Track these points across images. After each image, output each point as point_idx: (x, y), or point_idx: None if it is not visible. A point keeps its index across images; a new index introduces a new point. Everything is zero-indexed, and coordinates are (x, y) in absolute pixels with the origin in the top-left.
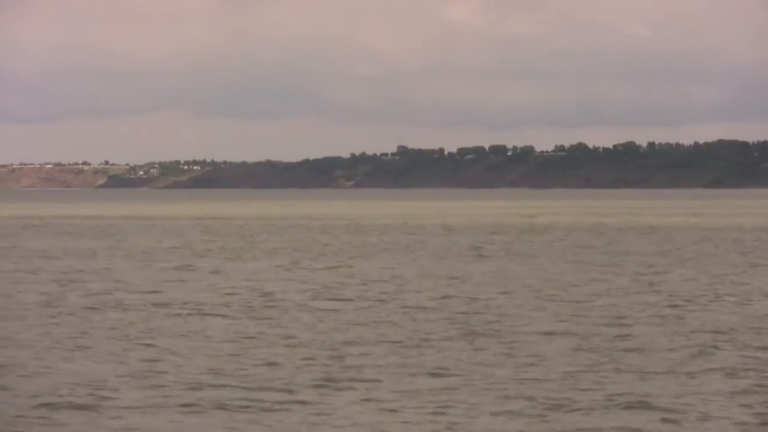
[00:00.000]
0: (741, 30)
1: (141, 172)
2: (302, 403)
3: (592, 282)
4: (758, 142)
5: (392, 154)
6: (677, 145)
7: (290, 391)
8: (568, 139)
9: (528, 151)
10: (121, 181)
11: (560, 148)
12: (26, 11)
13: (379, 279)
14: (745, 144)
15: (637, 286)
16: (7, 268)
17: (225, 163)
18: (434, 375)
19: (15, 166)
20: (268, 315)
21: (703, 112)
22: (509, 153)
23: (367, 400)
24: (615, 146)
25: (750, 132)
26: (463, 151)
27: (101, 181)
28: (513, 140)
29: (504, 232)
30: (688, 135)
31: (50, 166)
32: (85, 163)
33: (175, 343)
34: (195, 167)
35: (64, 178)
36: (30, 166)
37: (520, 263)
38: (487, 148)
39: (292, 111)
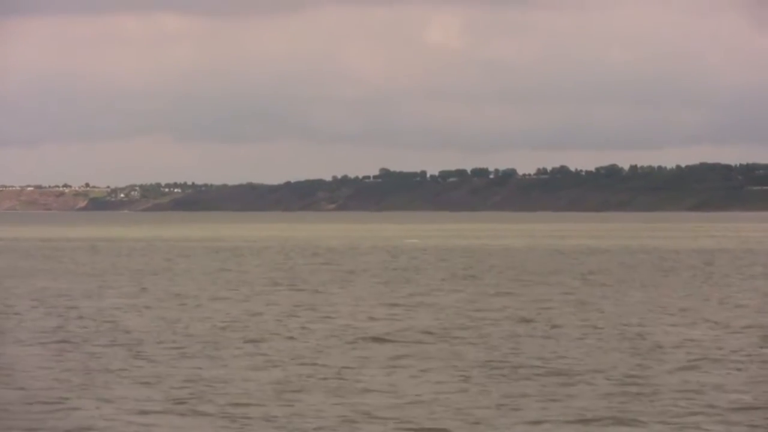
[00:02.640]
0: (722, 54)
1: (122, 195)
2: None
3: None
4: (741, 165)
5: (374, 176)
6: (660, 168)
7: None
8: (550, 162)
9: (510, 174)
10: (102, 203)
11: (543, 171)
12: (8, 35)
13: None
14: (728, 167)
15: None
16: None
17: (206, 185)
18: None
19: None
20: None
21: (683, 135)
22: (491, 176)
23: None
24: (597, 169)
25: (730, 155)
26: (445, 174)
27: (82, 203)
28: (495, 163)
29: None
30: (669, 158)
31: (31, 188)
32: (65, 185)
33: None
34: (176, 190)
35: (44, 201)
36: (10, 188)
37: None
38: (469, 171)
39: (273, 134)
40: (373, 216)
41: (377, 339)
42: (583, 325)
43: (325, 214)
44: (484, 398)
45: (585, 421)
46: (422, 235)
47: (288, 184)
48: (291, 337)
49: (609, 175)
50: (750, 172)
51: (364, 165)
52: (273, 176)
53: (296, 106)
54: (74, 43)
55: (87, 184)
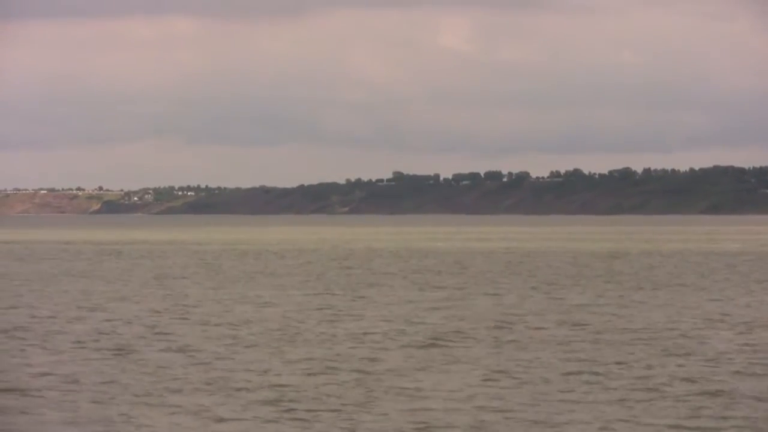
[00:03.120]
0: (733, 57)
1: (135, 198)
2: None
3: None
4: (755, 168)
5: (387, 180)
6: (673, 171)
7: None
8: (563, 166)
9: (524, 177)
10: (116, 206)
11: (556, 174)
12: (20, 39)
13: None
14: (741, 170)
15: None
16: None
17: (219, 188)
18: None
19: (9, 192)
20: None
21: (696, 138)
22: (504, 179)
23: None
24: (611, 172)
25: (743, 158)
26: (458, 177)
27: (95, 206)
28: (508, 166)
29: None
30: (682, 161)
31: (44, 191)
32: (79, 188)
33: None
34: (189, 193)
35: (58, 204)
36: (24, 191)
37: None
38: (482, 174)
39: (286, 137)
40: (387, 219)
41: (429, 344)
42: (633, 329)
43: (339, 218)
44: (557, 405)
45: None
46: (444, 238)
47: (301, 187)
48: (343, 341)
49: (622, 178)
50: (763, 175)
51: (377, 168)
52: (286, 179)
53: (308, 109)
54: (84, 47)
55: (100, 187)
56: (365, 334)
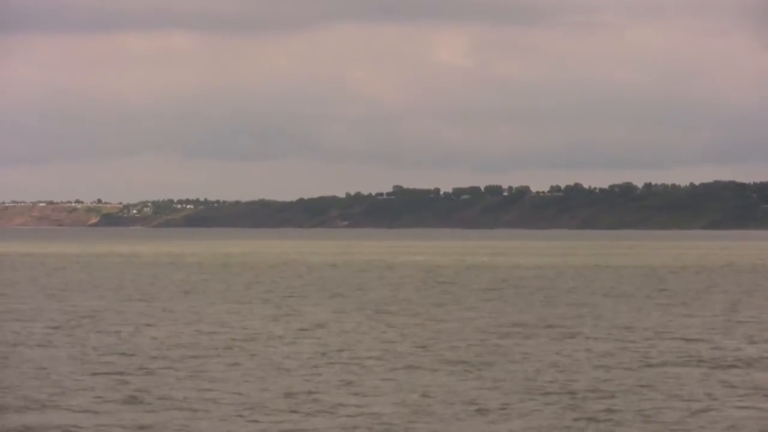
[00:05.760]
0: (732, 73)
1: (134, 211)
2: None
3: None
4: (756, 183)
5: (387, 194)
6: (674, 186)
7: None
8: (564, 180)
9: (524, 191)
10: (114, 219)
11: (556, 189)
12: (18, 53)
13: None
14: (742, 185)
15: None
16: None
17: (218, 202)
18: None
19: (7, 204)
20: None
21: (696, 154)
22: (505, 193)
23: None
24: (611, 187)
25: (744, 173)
26: (458, 192)
27: (94, 219)
28: (508, 181)
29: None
30: (682, 176)
31: (43, 204)
32: (77, 201)
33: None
34: (188, 206)
35: (57, 217)
36: (22, 204)
37: None
38: (482, 188)
39: (286, 151)
40: (390, 233)
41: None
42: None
43: (340, 231)
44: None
45: None
46: (473, 252)
47: (301, 201)
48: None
49: (623, 193)
50: (764, 190)
51: (376, 182)
52: (285, 193)
53: (308, 123)
54: (82, 61)
55: (99, 200)
56: (436, 350)
